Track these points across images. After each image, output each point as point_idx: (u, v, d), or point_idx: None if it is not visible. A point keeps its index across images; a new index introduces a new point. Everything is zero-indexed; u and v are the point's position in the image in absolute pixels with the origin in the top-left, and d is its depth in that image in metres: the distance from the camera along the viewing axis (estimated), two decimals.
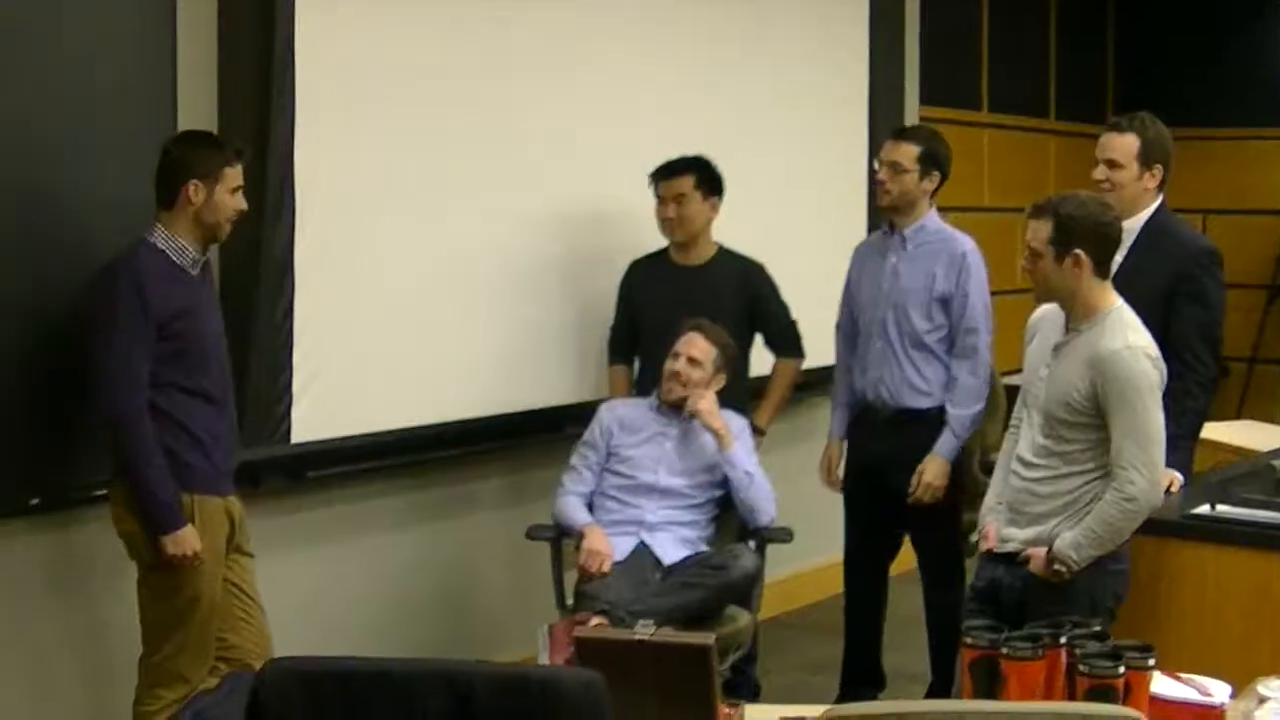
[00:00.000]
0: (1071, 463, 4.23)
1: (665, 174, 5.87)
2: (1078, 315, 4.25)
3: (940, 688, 5.66)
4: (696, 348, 5.47)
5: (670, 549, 5.36)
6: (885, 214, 5.72)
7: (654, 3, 6.39)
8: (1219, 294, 5.10)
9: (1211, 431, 6.76)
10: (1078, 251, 4.18)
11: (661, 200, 5.87)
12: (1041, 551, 4.22)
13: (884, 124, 7.47)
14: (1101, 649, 3.37)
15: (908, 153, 5.57)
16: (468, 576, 6.01)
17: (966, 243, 5.59)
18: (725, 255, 5.96)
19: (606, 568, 5.23)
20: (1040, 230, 4.22)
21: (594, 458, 5.53)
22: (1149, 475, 4.12)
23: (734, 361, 5.60)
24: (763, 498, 5.43)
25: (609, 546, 5.29)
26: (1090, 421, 4.18)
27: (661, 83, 6.42)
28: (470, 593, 6.02)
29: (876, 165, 5.69)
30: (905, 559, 5.86)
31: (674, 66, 6.48)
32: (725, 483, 5.47)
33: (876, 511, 5.74)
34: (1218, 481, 4.68)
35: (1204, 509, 4.54)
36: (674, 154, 5.90)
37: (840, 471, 5.85)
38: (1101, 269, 4.23)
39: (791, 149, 7.10)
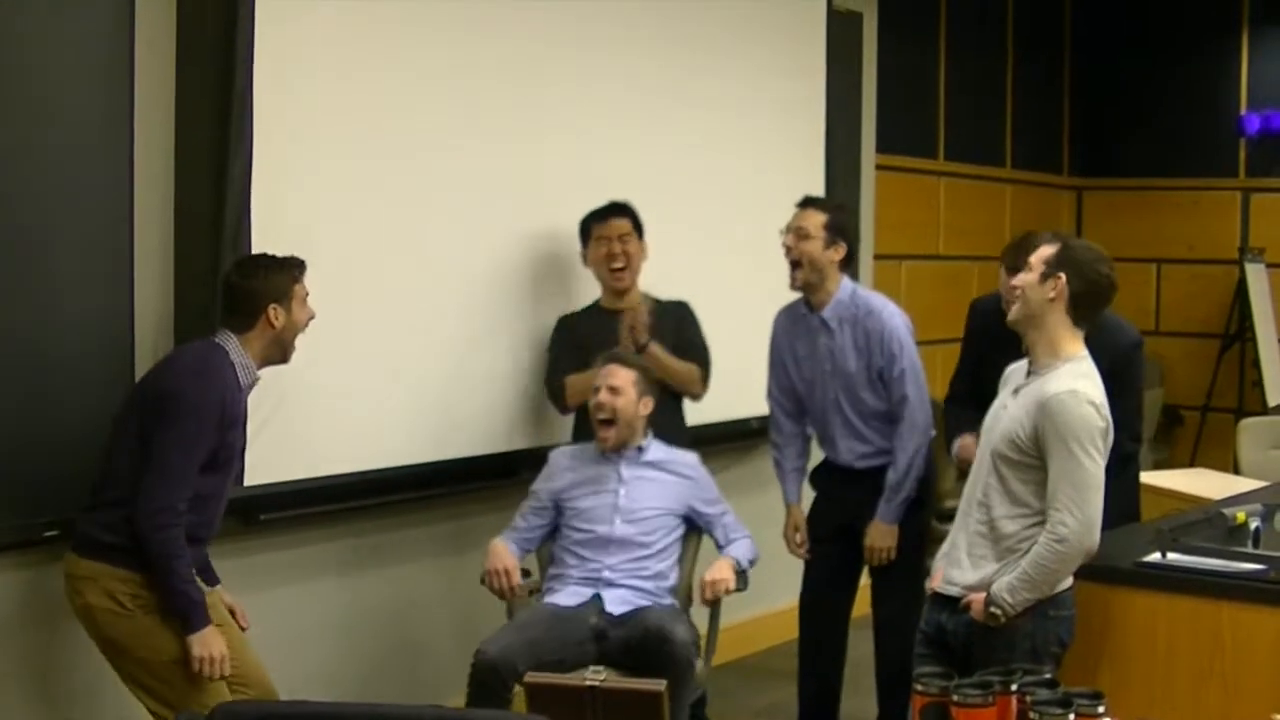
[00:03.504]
0: (1015, 504, 4.25)
1: (608, 214, 5.91)
2: (1040, 354, 4.30)
3: None
4: (616, 377, 5.44)
5: (620, 605, 5.32)
6: (803, 291, 5.69)
7: (608, 51, 6.40)
8: (1142, 381, 5.38)
9: (1164, 479, 6.82)
10: (1061, 276, 4.24)
11: (606, 240, 5.89)
12: (981, 596, 4.23)
13: (841, 171, 7.51)
14: (1052, 696, 3.38)
15: (814, 219, 5.59)
16: (418, 620, 5.98)
17: (885, 316, 5.61)
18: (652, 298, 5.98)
19: (516, 580, 5.30)
20: (1044, 252, 4.32)
21: (533, 504, 5.52)
22: (1081, 518, 4.13)
23: (658, 383, 5.55)
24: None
25: (511, 558, 5.34)
26: (1031, 463, 4.21)
27: (615, 131, 6.43)
28: (421, 637, 5.99)
29: (782, 232, 5.68)
30: (858, 604, 5.87)
31: (628, 115, 6.50)
32: (683, 522, 5.48)
33: (842, 555, 5.74)
34: (1169, 530, 4.69)
35: (1155, 557, 4.55)
36: (628, 200, 5.94)
37: (804, 533, 5.84)
38: (1077, 308, 4.27)
39: (747, 196, 7.11)
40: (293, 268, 4.57)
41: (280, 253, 4.87)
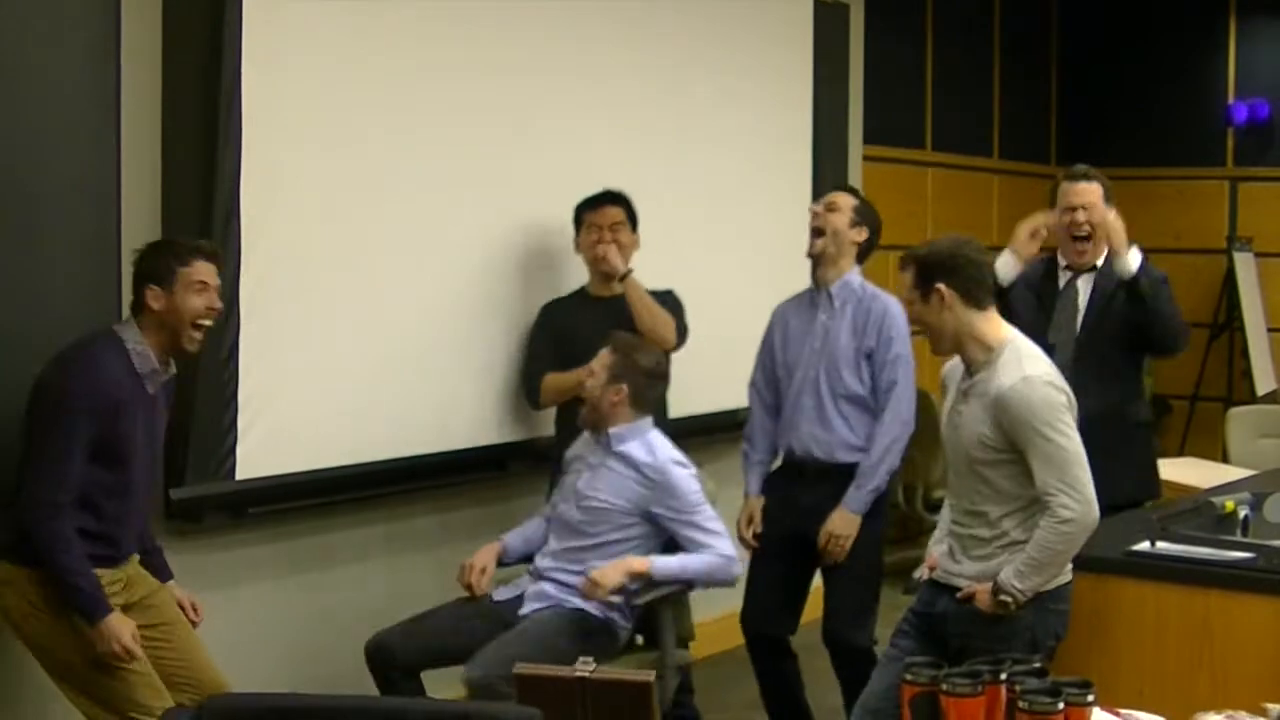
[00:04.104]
0: (1003, 500, 4.25)
1: (601, 202, 5.90)
2: (973, 354, 4.28)
3: None
4: (598, 358, 5.30)
5: (533, 603, 5.17)
6: (813, 266, 5.69)
7: (596, 45, 6.40)
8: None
9: None
10: (938, 286, 4.24)
11: (597, 228, 5.87)
12: (986, 586, 4.23)
13: (828, 162, 7.49)
14: (1041, 685, 3.38)
15: (845, 200, 5.64)
16: (410, 612, 5.97)
17: (889, 303, 5.59)
18: None
19: (481, 583, 5.19)
20: (906, 279, 4.32)
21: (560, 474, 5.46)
22: (1079, 495, 4.13)
23: (636, 370, 5.32)
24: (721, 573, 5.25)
25: (488, 557, 5.25)
26: (1007, 458, 4.21)
27: (602, 124, 6.43)
28: None
29: (812, 205, 5.69)
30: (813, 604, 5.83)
31: (614, 108, 6.50)
32: (644, 522, 5.23)
33: (790, 567, 5.67)
34: (1159, 519, 4.70)
35: (1144, 546, 4.56)
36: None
37: (759, 525, 5.74)
38: (971, 299, 4.27)
39: (735, 187, 7.11)
40: (185, 252, 4.38)
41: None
